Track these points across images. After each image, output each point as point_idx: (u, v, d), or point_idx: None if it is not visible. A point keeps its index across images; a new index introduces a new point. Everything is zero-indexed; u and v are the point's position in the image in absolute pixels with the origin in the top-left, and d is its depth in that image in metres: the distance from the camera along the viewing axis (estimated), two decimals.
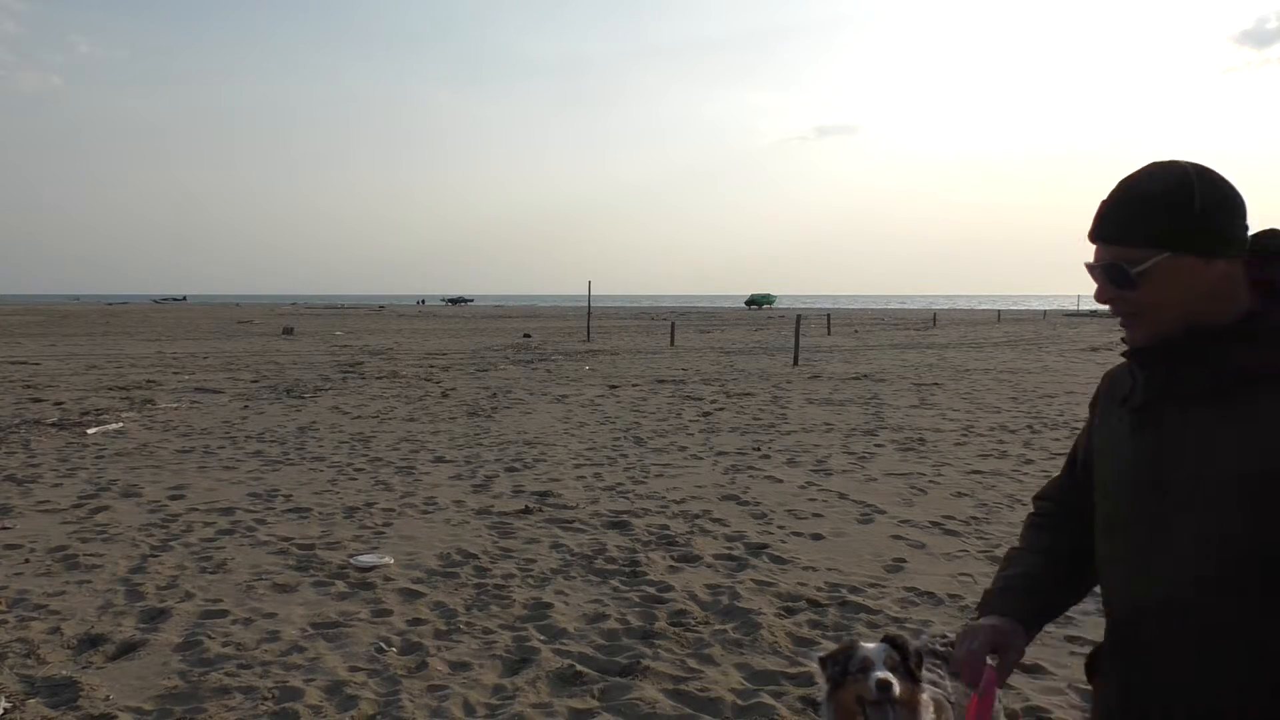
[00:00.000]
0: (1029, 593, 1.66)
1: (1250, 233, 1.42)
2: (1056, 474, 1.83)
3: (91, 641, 4.44)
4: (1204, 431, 1.38)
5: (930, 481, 8.12)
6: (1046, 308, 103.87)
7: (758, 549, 6.03)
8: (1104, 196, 1.47)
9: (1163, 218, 1.37)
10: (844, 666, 2.01)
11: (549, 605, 4.94)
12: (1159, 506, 1.42)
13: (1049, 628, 4.56)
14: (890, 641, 2.34)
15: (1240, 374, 1.36)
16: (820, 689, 2.30)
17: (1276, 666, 1.34)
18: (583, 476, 8.40)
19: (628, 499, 7.50)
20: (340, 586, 5.29)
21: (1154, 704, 1.46)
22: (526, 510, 7.08)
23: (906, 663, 2.29)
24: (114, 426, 11.19)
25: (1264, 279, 1.42)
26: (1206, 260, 1.36)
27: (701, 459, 9.28)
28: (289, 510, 7.10)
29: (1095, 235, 1.45)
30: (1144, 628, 1.47)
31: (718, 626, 4.66)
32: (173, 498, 7.49)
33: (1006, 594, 1.67)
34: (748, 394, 15.13)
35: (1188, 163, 1.40)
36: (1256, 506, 1.32)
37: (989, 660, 1.60)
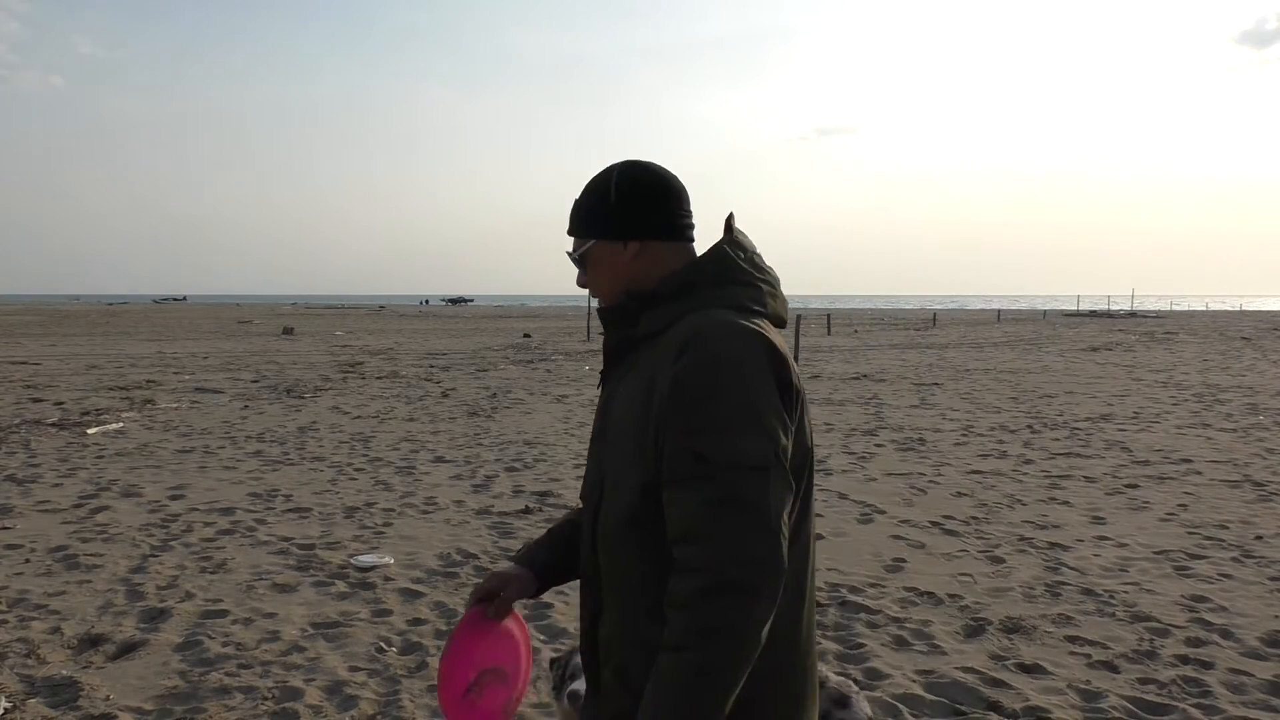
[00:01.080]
0: (546, 546, 1.82)
1: (692, 217, 1.64)
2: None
3: (92, 641, 4.45)
4: (617, 387, 1.61)
5: (930, 481, 8.12)
6: (1046, 308, 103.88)
7: None
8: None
9: (587, 211, 1.63)
10: (564, 671, 2.07)
11: (549, 605, 4.94)
12: (603, 455, 1.60)
13: (1048, 627, 4.59)
14: None
15: (638, 337, 1.58)
16: (552, 688, 2.37)
17: (636, 609, 1.49)
18: (583, 476, 8.40)
19: None
20: (340, 586, 5.29)
21: (584, 622, 1.65)
22: (527, 510, 7.08)
23: None
24: (114, 426, 11.20)
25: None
26: (623, 243, 1.60)
27: None
28: (289, 510, 7.10)
29: (568, 229, 1.70)
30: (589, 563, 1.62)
31: None
32: (173, 498, 7.50)
33: (531, 545, 1.85)
34: None
35: (623, 162, 1.64)
36: (640, 453, 1.48)
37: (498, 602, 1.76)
